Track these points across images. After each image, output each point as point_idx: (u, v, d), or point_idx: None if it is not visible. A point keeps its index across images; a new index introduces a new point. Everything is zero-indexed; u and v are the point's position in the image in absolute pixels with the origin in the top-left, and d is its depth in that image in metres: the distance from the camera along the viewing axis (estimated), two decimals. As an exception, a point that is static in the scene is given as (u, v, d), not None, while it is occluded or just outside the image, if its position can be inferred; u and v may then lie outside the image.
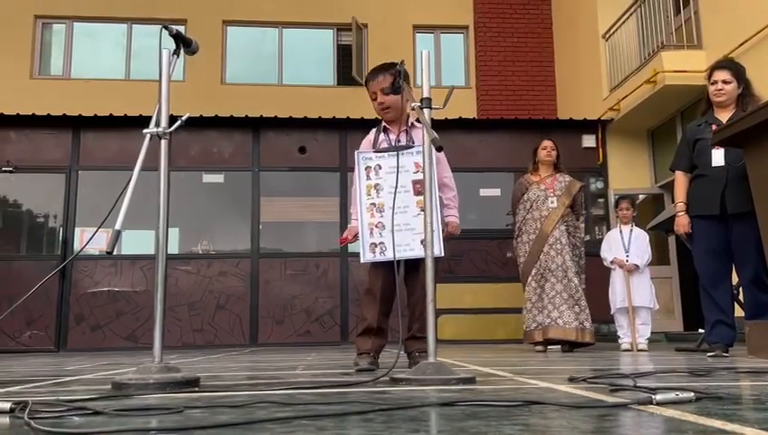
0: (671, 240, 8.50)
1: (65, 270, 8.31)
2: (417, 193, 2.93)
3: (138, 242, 8.72)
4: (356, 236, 3.13)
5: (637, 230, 5.69)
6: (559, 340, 5.12)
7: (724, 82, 4.12)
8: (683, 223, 4.20)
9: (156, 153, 2.29)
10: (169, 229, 9.85)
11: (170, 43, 2.42)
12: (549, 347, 5.30)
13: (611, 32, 9.30)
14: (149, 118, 2.30)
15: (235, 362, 4.18)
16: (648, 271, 5.64)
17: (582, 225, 5.63)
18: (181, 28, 12.07)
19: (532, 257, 5.31)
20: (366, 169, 3.06)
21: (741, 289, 4.27)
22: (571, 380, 2.16)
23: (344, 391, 1.96)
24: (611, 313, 5.70)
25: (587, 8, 10.24)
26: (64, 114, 8.69)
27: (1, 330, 8.03)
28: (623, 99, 8.66)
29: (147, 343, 7.91)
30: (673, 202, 4.51)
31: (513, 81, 11.78)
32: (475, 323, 8.56)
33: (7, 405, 1.44)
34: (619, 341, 5.62)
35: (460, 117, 9.07)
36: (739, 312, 4.33)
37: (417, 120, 3.03)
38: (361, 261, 3.03)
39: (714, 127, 4.03)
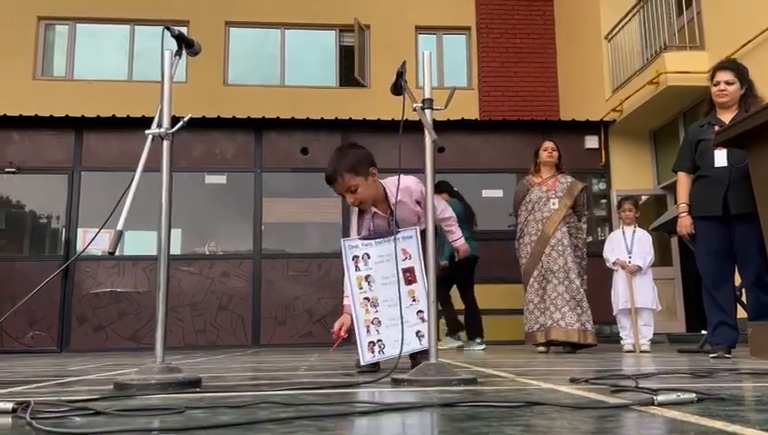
0: (674, 241, 8.49)
1: (68, 271, 8.32)
2: (408, 282, 2.83)
3: (140, 243, 8.73)
4: (348, 330, 3.02)
5: (640, 231, 5.68)
6: (561, 341, 5.12)
7: (727, 82, 4.11)
8: (685, 224, 4.20)
9: (158, 154, 2.29)
10: (172, 230, 9.82)
11: (172, 44, 2.43)
12: (551, 348, 5.29)
13: (614, 32, 9.29)
14: (152, 119, 2.30)
15: (238, 363, 4.18)
16: (651, 272, 5.63)
17: (585, 226, 5.61)
18: (184, 29, 12.11)
19: (534, 259, 5.30)
20: (354, 258, 2.93)
21: (743, 290, 4.27)
22: (573, 381, 2.16)
23: (346, 391, 1.96)
24: (614, 314, 5.69)
25: (589, 9, 10.24)
26: (67, 115, 8.70)
27: (4, 330, 8.05)
28: (626, 100, 8.65)
29: (149, 343, 7.91)
30: (675, 203, 4.50)
31: (515, 82, 11.77)
32: (478, 324, 8.53)
33: (9, 405, 1.45)
34: (622, 342, 5.61)
35: (462, 118, 9.07)
36: (741, 313, 4.32)
37: (391, 186, 2.97)
38: (362, 363, 2.86)
39: (716, 128, 4.03)
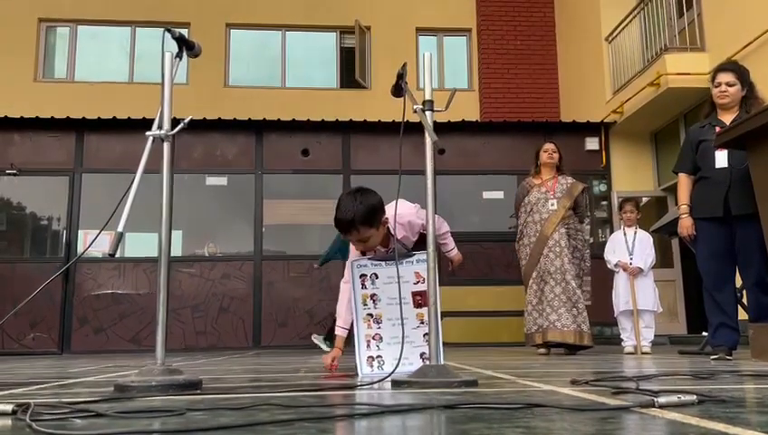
0: (674, 243, 8.49)
1: (69, 272, 8.32)
2: (418, 305, 2.79)
3: (141, 244, 8.74)
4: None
5: (641, 233, 5.68)
6: (557, 343, 5.13)
7: (728, 84, 4.11)
8: (686, 225, 4.20)
9: (159, 156, 2.30)
10: (173, 232, 9.77)
11: (173, 46, 2.43)
12: (552, 349, 5.29)
13: (614, 34, 9.29)
14: (153, 120, 2.30)
15: (238, 365, 4.18)
16: (652, 274, 5.63)
17: (587, 227, 5.62)
18: (184, 31, 12.12)
19: (533, 260, 5.32)
20: (361, 277, 2.90)
21: (744, 292, 4.26)
22: (574, 382, 2.15)
23: (347, 393, 1.96)
24: (615, 315, 5.69)
25: (590, 11, 10.24)
26: (68, 117, 8.71)
27: (5, 332, 8.05)
28: (626, 101, 8.65)
29: (150, 345, 7.91)
30: (676, 204, 4.50)
31: (516, 83, 11.77)
32: (478, 325, 8.55)
33: (9, 407, 1.45)
34: (623, 344, 5.60)
35: (463, 120, 9.07)
36: (743, 314, 4.31)
37: (391, 224, 2.93)
38: (359, 376, 2.79)
39: (717, 129, 4.03)
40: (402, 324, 2.66)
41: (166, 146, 2.29)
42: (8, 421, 1.38)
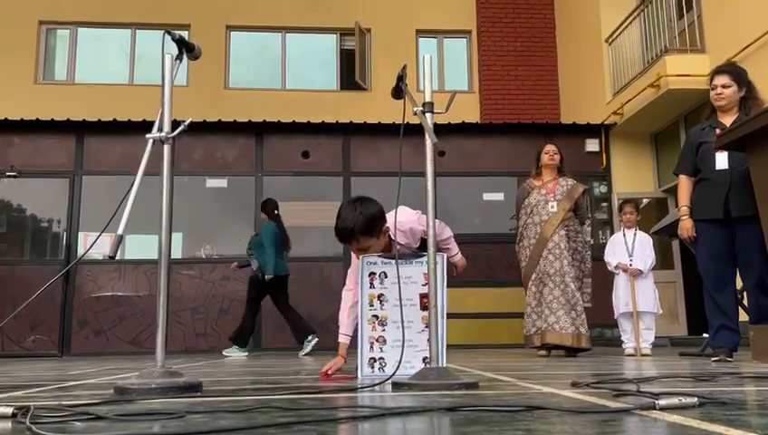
0: (675, 244, 8.48)
1: (69, 275, 8.32)
2: (424, 308, 2.71)
3: (141, 247, 8.74)
4: (340, 368, 2.97)
5: (640, 234, 5.68)
6: (555, 345, 5.13)
7: (724, 86, 4.12)
8: (686, 227, 4.20)
9: (159, 158, 2.30)
10: (173, 234, 9.73)
11: (173, 49, 2.43)
12: (552, 351, 5.29)
13: (615, 36, 9.30)
14: (153, 123, 2.30)
15: (238, 367, 4.18)
16: (652, 275, 5.63)
17: (588, 229, 5.62)
18: (185, 33, 12.10)
19: (533, 262, 5.32)
20: (370, 275, 2.86)
21: (745, 293, 4.26)
22: (574, 385, 2.15)
23: (347, 396, 1.96)
24: (615, 317, 5.68)
25: (590, 12, 10.24)
26: (68, 119, 8.72)
27: (5, 334, 8.05)
28: (626, 103, 8.65)
29: (150, 347, 7.91)
30: (677, 206, 4.50)
31: (516, 85, 11.77)
32: (479, 327, 8.54)
33: (9, 410, 1.44)
34: (623, 345, 5.60)
35: (463, 121, 9.07)
36: (743, 316, 4.31)
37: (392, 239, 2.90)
38: (360, 377, 2.77)
39: (717, 131, 4.03)
40: (403, 327, 2.64)
41: (166, 148, 2.29)
42: (8, 424, 1.38)
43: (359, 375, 2.80)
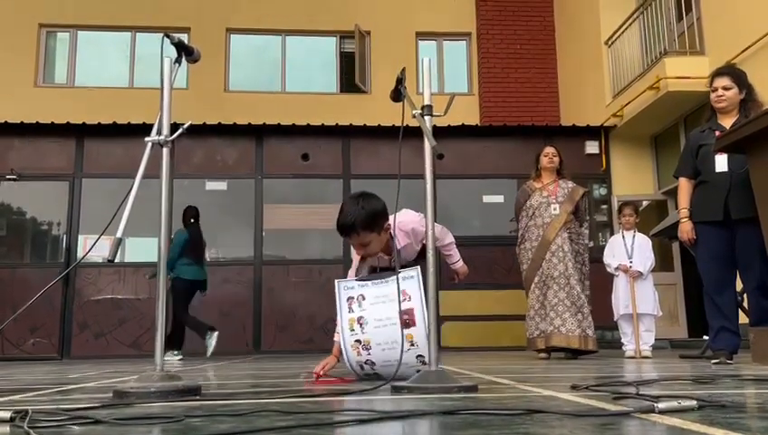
0: (675, 246, 8.48)
1: (68, 278, 8.32)
2: (407, 325, 2.66)
3: (141, 249, 8.74)
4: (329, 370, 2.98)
5: (640, 236, 5.68)
6: (561, 347, 5.10)
7: (724, 88, 4.12)
8: (686, 229, 4.19)
9: (158, 161, 2.30)
10: (173, 237, 9.68)
11: (172, 52, 2.43)
12: (553, 354, 5.28)
13: (614, 38, 9.30)
14: (153, 126, 2.30)
15: (238, 370, 4.17)
16: (652, 277, 5.63)
17: (587, 231, 5.61)
18: (185, 36, 12.09)
19: (535, 264, 5.30)
20: (348, 299, 2.83)
21: (745, 295, 4.26)
22: (574, 387, 2.15)
23: (346, 399, 1.96)
24: (615, 319, 5.68)
25: (589, 15, 10.25)
26: (68, 122, 8.72)
27: (5, 338, 8.05)
28: (626, 105, 8.65)
29: (150, 350, 7.90)
30: (677, 208, 4.49)
31: (515, 87, 11.78)
32: (479, 330, 8.54)
33: (8, 414, 1.44)
34: (623, 348, 5.60)
35: (463, 124, 9.08)
36: (743, 318, 4.31)
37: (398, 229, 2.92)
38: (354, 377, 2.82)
39: (717, 133, 4.03)
40: (402, 349, 2.54)
41: (165, 151, 2.29)
42: (6, 429, 1.38)
43: (355, 373, 2.81)
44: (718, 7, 7.56)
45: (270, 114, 9.56)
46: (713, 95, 4.17)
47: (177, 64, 2.42)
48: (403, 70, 2.61)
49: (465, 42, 12.54)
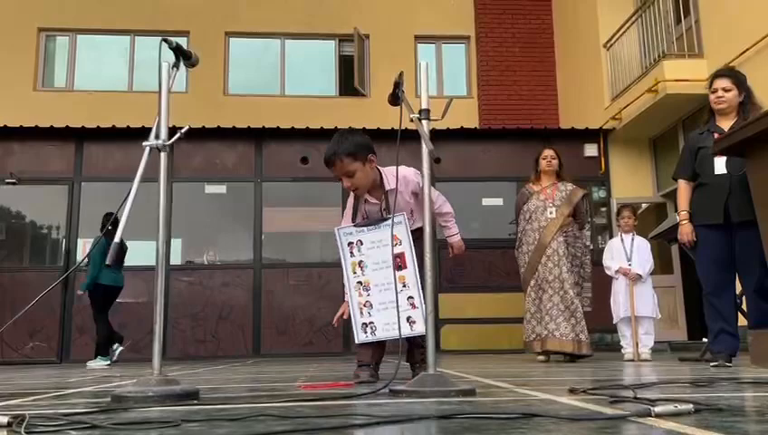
0: (674, 249, 8.49)
1: (68, 281, 8.32)
2: (398, 268, 2.82)
3: (140, 253, 8.72)
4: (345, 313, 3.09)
5: (638, 239, 5.68)
6: (556, 351, 5.13)
7: (725, 89, 4.12)
8: (686, 232, 4.19)
9: (156, 165, 2.30)
10: (172, 240, 9.74)
11: (170, 57, 2.43)
12: (552, 356, 5.29)
13: (613, 41, 9.32)
14: (151, 129, 2.31)
15: (237, 374, 4.17)
16: (651, 280, 5.63)
17: (588, 233, 5.62)
18: (184, 40, 12.11)
19: (531, 268, 5.32)
20: (349, 245, 2.97)
21: (744, 298, 4.26)
22: (572, 391, 2.15)
23: (344, 403, 1.96)
24: (614, 322, 5.68)
25: (588, 18, 10.27)
26: (67, 126, 8.73)
27: (4, 341, 8.04)
28: (625, 108, 8.66)
29: (149, 354, 7.89)
30: (676, 211, 4.50)
31: (514, 90, 11.80)
32: (479, 332, 8.53)
33: (5, 419, 1.44)
34: (623, 350, 5.60)
35: (462, 127, 9.08)
36: (743, 321, 4.31)
37: (391, 171, 2.96)
38: (356, 342, 2.96)
39: (716, 135, 4.03)
40: (397, 293, 2.71)
41: (163, 156, 2.30)
42: (4, 434, 1.38)
43: (356, 341, 2.95)
44: (716, 10, 7.57)
45: (269, 117, 9.57)
46: (712, 96, 4.17)
47: (175, 69, 2.43)
48: (401, 74, 2.61)
49: (464, 45, 12.55)
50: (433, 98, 2.48)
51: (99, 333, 7.18)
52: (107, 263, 2.29)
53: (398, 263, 2.82)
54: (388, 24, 12.20)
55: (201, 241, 9.16)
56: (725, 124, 4.13)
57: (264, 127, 8.94)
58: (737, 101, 4.13)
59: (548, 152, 5.53)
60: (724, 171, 4.01)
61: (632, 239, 5.66)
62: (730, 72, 4.28)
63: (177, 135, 2.30)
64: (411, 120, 2.39)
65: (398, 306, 2.72)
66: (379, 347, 3.16)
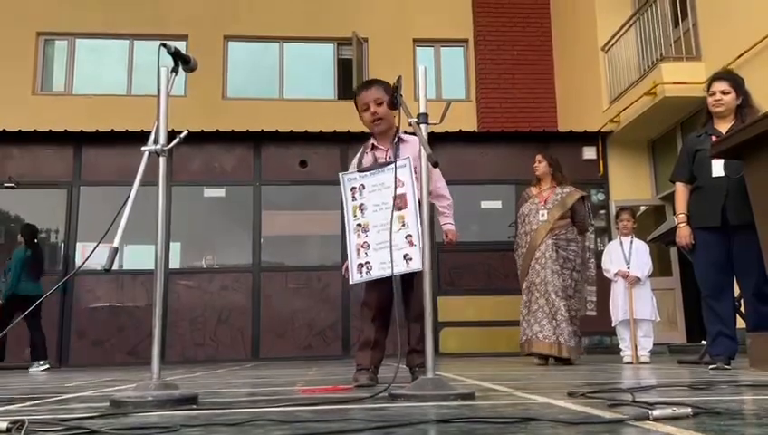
0: (673, 251, 8.49)
1: (67, 286, 8.31)
2: (398, 208, 2.89)
3: (139, 257, 8.73)
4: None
5: (637, 241, 5.69)
6: (540, 354, 5.16)
7: (723, 92, 4.13)
8: (684, 234, 4.20)
9: (157, 169, 2.30)
10: (171, 244, 9.75)
11: (169, 61, 2.44)
12: (549, 360, 5.29)
13: (611, 44, 9.33)
14: (150, 133, 2.31)
15: (236, 378, 4.17)
16: (649, 283, 5.63)
17: (592, 235, 5.64)
18: (183, 43, 12.11)
19: (524, 271, 5.40)
20: (351, 189, 3.06)
21: (742, 301, 4.26)
22: (571, 394, 2.15)
23: (343, 407, 1.96)
24: (613, 325, 5.68)
25: (586, 21, 10.28)
26: (66, 130, 8.73)
27: (2, 345, 8.02)
28: (623, 110, 8.67)
29: (149, 358, 7.88)
30: (674, 213, 4.50)
31: (513, 93, 11.81)
32: (478, 335, 8.53)
33: (4, 425, 1.44)
34: (622, 353, 5.60)
35: (460, 130, 9.09)
36: (741, 323, 4.31)
37: (408, 133, 3.02)
38: (350, 282, 3.03)
39: (713, 138, 4.04)
40: (390, 232, 2.74)
41: (161, 161, 2.30)
42: (2, 439, 1.38)
43: (350, 281, 3.02)
44: (714, 13, 7.59)
45: (268, 121, 9.57)
46: (710, 99, 4.18)
47: (173, 74, 2.43)
48: (399, 78, 2.62)
49: (462, 48, 12.57)
50: (431, 101, 2.48)
51: (34, 340, 7.25)
52: (104, 268, 2.28)
53: (399, 204, 2.88)
54: (387, 27, 12.21)
55: (200, 245, 9.16)
56: (723, 127, 4.13)
57: (262, 130, 8.95)
58: (735, 103, 4.14)
59: (537, 156, 5.59)
60: (722, 174, 4.02)
61: (631, 242, 5.66)
62: (728, 75, 4.29)
63: (176, 140, 2.31)
64: (410, 124, 2.40)
65: (390, 247, 2.76)
66: (378, 351, 3.17)
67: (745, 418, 1.50)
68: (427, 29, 12.37)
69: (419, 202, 2.77)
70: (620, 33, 9.04)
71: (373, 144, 3.30)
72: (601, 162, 9.25)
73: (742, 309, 4.43)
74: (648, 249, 5.69)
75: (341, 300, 8.53)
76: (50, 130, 8.69)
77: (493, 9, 12.15)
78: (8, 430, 1.43)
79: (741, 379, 2.87)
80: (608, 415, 1.56)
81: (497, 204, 9.07)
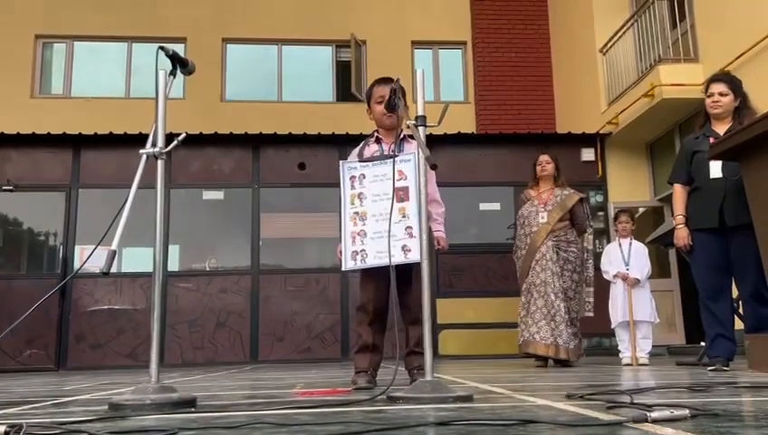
0: (672, 253, 8.50)
1: (65, 288, 8.30)
2: (399, 200, 2.92)
3: (138, 260, 8.72)
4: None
5: (636, 243, 5.69)
6: (537, 355, 5.16)
7: (721, 94, 4.14)
8: (682, 236, 4.20)
9: (155, 171, 2.30)
10: (170, 246, 9.76)
11: (167, 64, 2.44)
12: (549, 361, 5.29)
13: (609, 46, 9.34)
14: (148, 136, 2.31)
15: (235, 381, 4.17)
16: (648, 284, 5.64)
17: (591, 237, 5.64)
18: (181, 46, 12.11)
19: (523, 272, 5.40)
20: (351, 178, 3.07)
21: (741, 302, 4.26)
22: (569, 396, 2.15)
23: (341, 410, 1.96)
24: (612, 327, 5.69)
25: (584, 23, 10.30)
26: (64, 133, 8.72)
27: (1, 349, 8.02)
28: (621, 112, 8.68)
29: (147, 360, 7.87)
30: (672, 215, 4.51)
31: (511, 95, 11.81)
32: (477, 337, 8.53)
33: (2, 428, 1.44)
34: (620, 355, 5.61)
35: (459, 132, 9.09)
36: (739, 325, 4.31)
37: (411, 137, 3.03)
38: (342, 269, 3.04)
39: (711, 139, 4.05)
40: (389, 223, 2.73)
41: (159, 163, 2.30)
42: (0, 443, 1.38)
43: (342, 268, 3.02)
44: (712, 15, 7.60)
45: (266, 124, 9.57)
46: (708, 100, 4.19)
47: (171, 77, 2.43)
48: (397, 80, 2.62)
49: (460, 50, 12.58)
50: (430, 103, 2.49)
51: None
52: (102, 271, 2.28)
53: (401, 196, 2.90)
54: (385, 29, 12.22)
55: (199, 247, 9.15)
56: (721, 129, 4.14)
57: (261, 133, 8.95)
58: (733, 105, 4.14)
59: (542, 158, 5.57)
60: (720, 175, 4.02)
61: (630, 244, 5.67)
62: (726, 77, 4.30)
63: (175, 142, 2.31)
64: (408, 127, 2.40)
65: (389, 238, 2.76)
66: (376, 354, 3.16)
67: (744, 420, 1.50)
68: (425, 31, 12.38)
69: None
70: (618, 35, 9.05)
71: (378, 137, 3.31)
72: (600, 164, 9.25)
73: (740, 310, 4.43)
74: (646, 251, 5.70)
75: (340, 302, 8.52)
76: (48, 133, 8.68)
77: (491, 11, 12.16)
78: (6, 433, 1.43)
79: (739, 380, 2.87)
80: (606, 417, 1.56)
81: (496, 206, 9.07)
